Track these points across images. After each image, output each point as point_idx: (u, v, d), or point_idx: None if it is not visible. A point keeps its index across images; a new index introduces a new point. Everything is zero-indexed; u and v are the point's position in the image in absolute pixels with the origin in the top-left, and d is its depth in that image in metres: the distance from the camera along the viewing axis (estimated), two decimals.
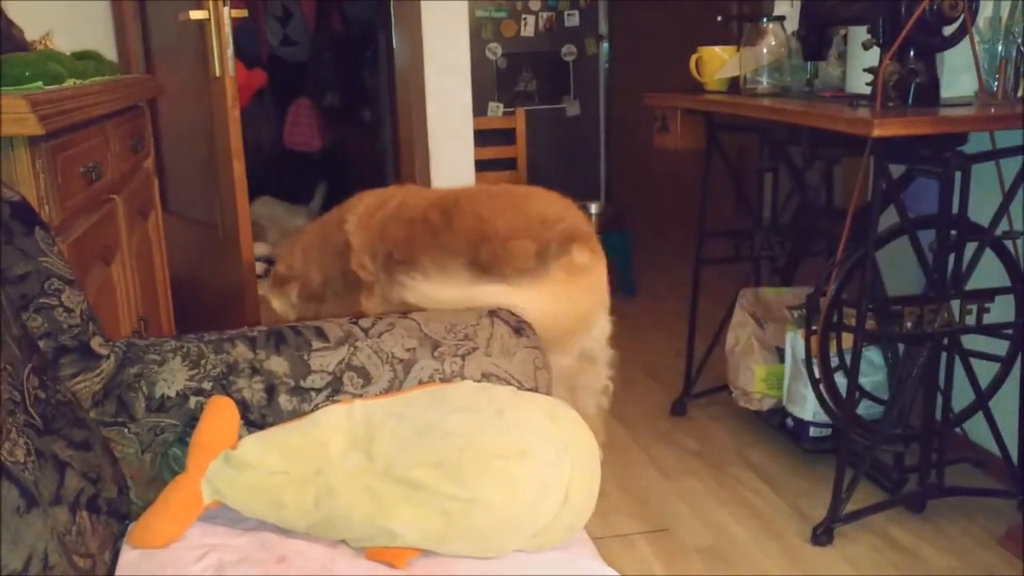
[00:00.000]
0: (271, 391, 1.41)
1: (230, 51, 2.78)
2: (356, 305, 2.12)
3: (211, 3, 2.73)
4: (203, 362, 1.42)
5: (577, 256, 1.92)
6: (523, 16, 4.86)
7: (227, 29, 2.76)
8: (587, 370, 2.12)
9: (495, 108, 4.93)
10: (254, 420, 1.39)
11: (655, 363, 3.63)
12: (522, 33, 4.88)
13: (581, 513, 1.25)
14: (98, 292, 1.84)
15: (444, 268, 1.95)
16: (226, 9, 2.75)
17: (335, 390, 1.43)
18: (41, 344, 1.31)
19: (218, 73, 2.79)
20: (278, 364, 1.43)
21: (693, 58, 2.88)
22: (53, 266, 1.35)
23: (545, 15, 4.89)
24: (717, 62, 2.84)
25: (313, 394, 1.42)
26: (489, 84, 4.87)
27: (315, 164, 5.73)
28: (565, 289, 1.91)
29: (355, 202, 2.21)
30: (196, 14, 2.76)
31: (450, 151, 3.73)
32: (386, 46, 4.81)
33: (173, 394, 1.39)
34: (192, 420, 1.36)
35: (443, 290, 1.76)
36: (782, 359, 2.77)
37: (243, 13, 2.90)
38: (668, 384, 3.35)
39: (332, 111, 5.87)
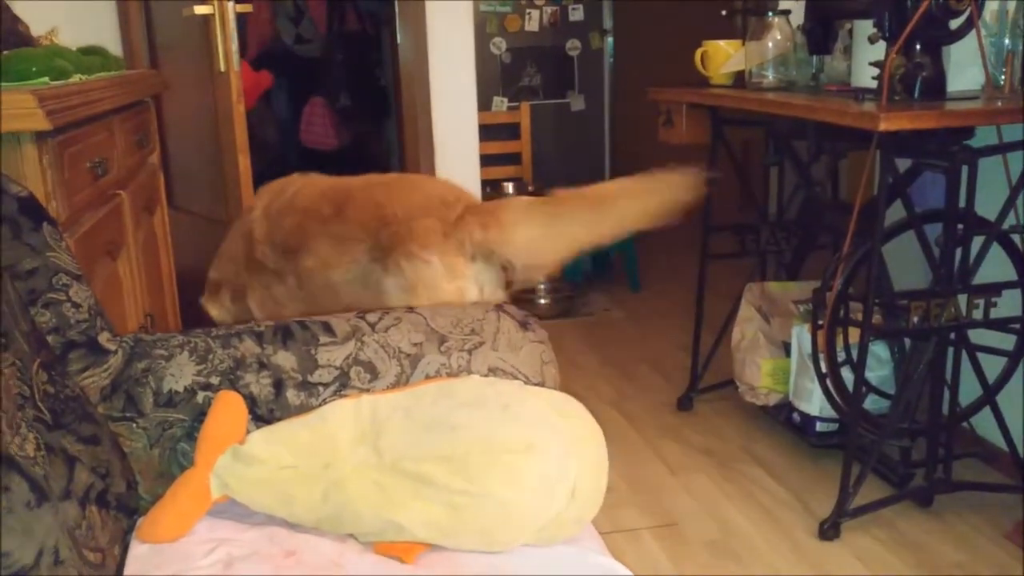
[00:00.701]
0: (279, 386, 1.41)
1: (234, 46, 2.78)
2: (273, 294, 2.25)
3: None
4: (210, 357, 1.42)
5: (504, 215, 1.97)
6: (527, 11, 4.85)
7: (231, 24, 2.76)
8: None
9: (499, 103, 4.92)
10: (262, 415, 1.39)
11: (661, 358, 3.63)
12: (526, 28, 4.87)
13: (589, 507, 1.25)
14: (104, 288, 1.84)
15: (345, 254, 2.04)
16: (230, 4, 2.75)
17: (342, 385, 1.43)
18: (49, 339, 1.32)
19: (223, 68, 2.79)
20: (285, 359, 1.43)
21: (698, 52, 2.87)
22: (61, 261, 1.35)
23: (549, 10, 4.87)
24: (722, 56, 2.83)
25: (320, 389, 1.42)
26: (493, 79, 4.87)
27: (331, 161, 5.65)
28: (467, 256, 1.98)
29: (262, 192, 2.29)
30: (201, 9, 2.76)
31: (455, 146, 3.72)
32: (391, 41, 4.81)
33: (181, 389, 1.39)
34: (200, 415, 1.36)
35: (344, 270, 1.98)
36: (788, 354, 2.77)
37: (247, 8, 2.90)
38: (674, 379, 3.35)
39: (346, 111, 5.83)
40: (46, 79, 1.62)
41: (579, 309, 4.35)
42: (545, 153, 4.94)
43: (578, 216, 1.93)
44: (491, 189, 4.35)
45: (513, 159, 4.67)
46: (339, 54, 5.78)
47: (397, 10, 4.45)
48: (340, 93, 5.79)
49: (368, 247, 2.03)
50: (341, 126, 5.76)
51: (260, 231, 2.20)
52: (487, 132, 4.20)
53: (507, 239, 1.91)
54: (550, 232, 1.93)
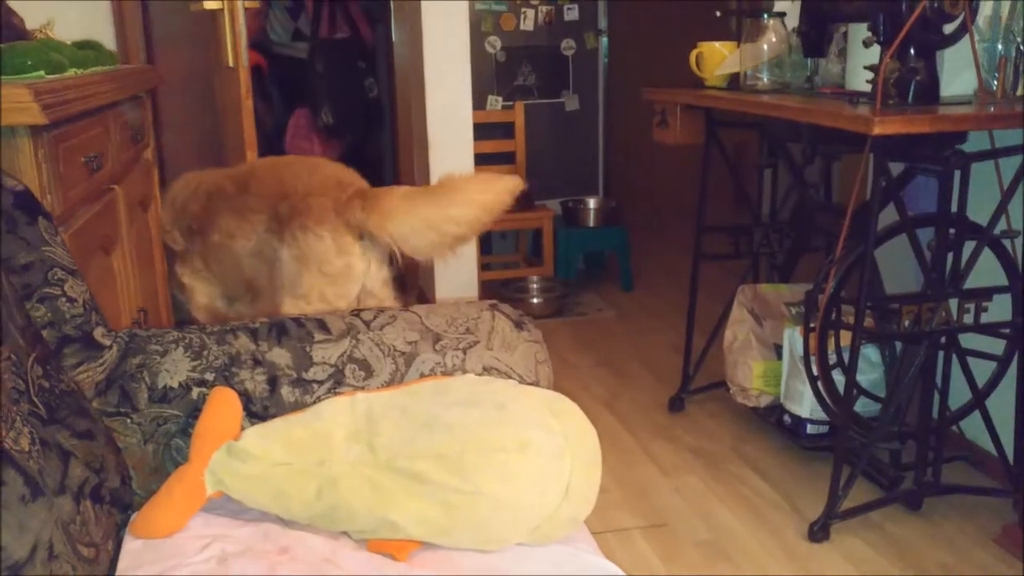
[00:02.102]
0: (273, 383, 1.41)
1: (243, 41, 2.78)
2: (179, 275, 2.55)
3: None
4: (205, 353, 1.42)
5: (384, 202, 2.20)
6: (522, 10, 4.85)
7: (241, 19, 2.76)
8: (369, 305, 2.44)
9: (494, 102, 4.92)
10: (256, 411, 1.39)
11: (653, 358, 3.64)
12: (521, 27, 4.87)
13: (582, 506, 1.26)
14: (98, 282, 1.83)
15: (246, 223, 2.31)
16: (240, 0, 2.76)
17: (337, 382, 1.43)
18: (44, 334, 1.31)
19: (232, 63, 2.79)
20: (280, 356, 1.43)
21: (693, 53, 2.88)
22: (56, 256, 1.35)
23: (544, 9, 4.88)
24: (717, 57, 2.84)
25: (315, 386, 1.42)
26: (488, 77, 4.87)
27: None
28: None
29: (170, 186, 2.53)
30: (210, 4, 2.77)
31: (450, 144, 3.73)
32: (386, 43, 4.80)
33: (176, 385, 1.39)
34: (195, 411, 1.36)
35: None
36: (780, 356, 2.78)
37: (255, 4, 2.92)
38: (666, 380, 3.35)
39: (331, 128, 5.09)
40: (42, 73, 1.62)
41: (572, 308, 4.35)
42: (539, 152, 4.95)
43: (442, 206, 2.12)
44: None
45: (507, 158, 4.67)
46: (323, 64, 5.07)
47: (392, 8, 4.45)
48: (323, 108, 5.10)
49: (267, 218, 2.27)
50: (328, 141, 5.14)
51: (167, 219, 2.48)
52: (481, 131, 4.20)
53: (382, 223, 2.12)
54: (419, 219, 2.13)
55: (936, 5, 2.04)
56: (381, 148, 5.56)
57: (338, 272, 2.21)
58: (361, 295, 2.31)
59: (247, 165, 2.53)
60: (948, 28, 2.11)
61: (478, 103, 4.49)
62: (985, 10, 2.22)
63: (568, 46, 4.98)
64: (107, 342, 1.40)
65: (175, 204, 2.45)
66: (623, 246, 4.60)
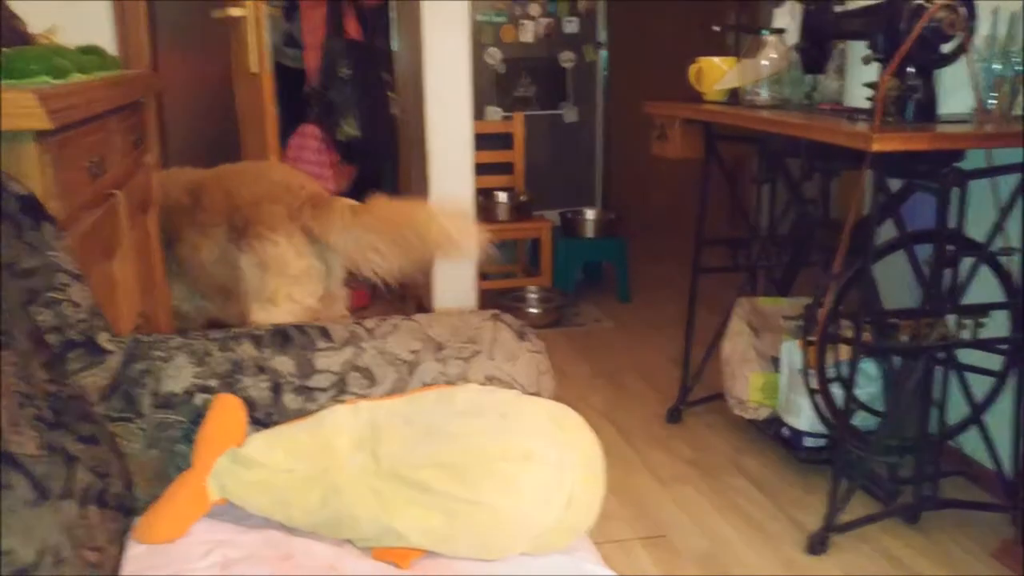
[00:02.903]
0: (277, 390, 1.41)
1: (267, 48, 2.81)
2: None
3: (250, 0, 2.76)
4: (209, 359, 1.42)
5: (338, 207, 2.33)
6: (522, 21, 4.87)
7: (265, 26, 2.79)
8: (331, 306, 2.55)
9: (493, 112, 4.94)
10: (260, 418, 1.39)
11: (651, 370, 3.64)
12: (521, 38, 4.89)
13: (584, 517, 1.26)
14: (100, 287, 1.83)
15: (207, 237, 2.43)
16: (264, 6, 2.78)
17: (340, 390, 1.43)
18: (49, 338, 1.31)
19: (255, 69, 2.81)
20: (283, 363, 1.44)
21: (693, 68, 2.90)
22: (60, 260, 1.35)
23: (544, 21, 4.90)
24: (717, 73, 2.85)
25: (318, 394, 1.42)
26: (488, 88, 4.89)
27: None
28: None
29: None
30: (235, 11, 2.79)
31: (449, 154, 3.74)
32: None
33: (179, 391, 1.39)
34: (198, 417, 1.36)
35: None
36: (778, 368, 2.78)
37: (276, 10, 2.94)
38: (664, 391, 3.36)
39: (351, 145, 4.31)
40: (46, 78, 1.62)
41: (570, 319, 4.36)
42: (538, 163, 4.96)
43: (381, 231, 2.23)
44: (483, 198, 4.36)
45: (505, 168, 4.69)
46: (351, 68, 4.22)
47: (393, 17, 4.46)
48: (346, 118, 4.25)
49: (224, 230, 2.38)
50: (342, 164, 4.43)
51: None
52: (480, 141, 4.21)
53: (326, 232, 2.25)
54: (358, 236, 2.25)
55: (935, 25, 2.06)
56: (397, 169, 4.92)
57: (301, 272, 2.32)
58: (323, 295, 2.41)
59: (199, 176, 2.59)
60: (946, 47, 2.13)
61: (477, 113, 4.51)
62: (983, 30, 2.24)
63: (567, 58, 5.00)
64: (111, 347, 1.40)
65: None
66: (621, 257, 4.61)
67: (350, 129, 4.10)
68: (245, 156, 3.25)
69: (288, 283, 2.31)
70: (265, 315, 2.35)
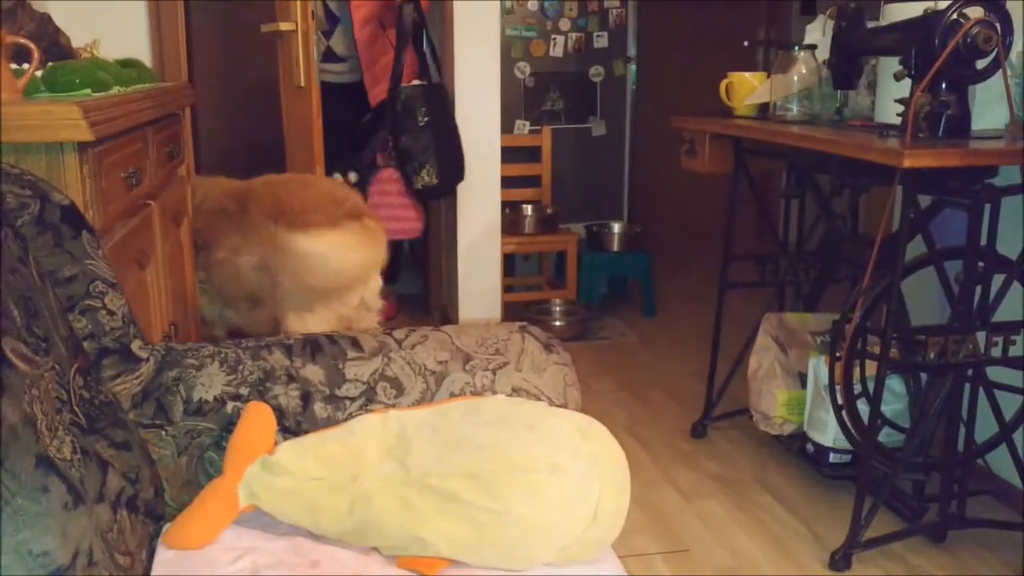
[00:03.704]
0: (306, 398, 1.43)
1: (314, 62, 2.88)
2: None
3: (299, 15, 2.83)
4: (240, 368, 1.44)
5: (367, 221, 2.50)
6: (552, 36, 4.90)
7: (312, 40, 2.85)
8: (364, 317, 2.66)
9: (521, 126, 4.97)
10: (289, 427, 1.41)
11: (675, 385, 3.64)
12: (551, 53, 4.92)
13: (610, 529, 1.27)
14: (133, 296, 1.87)
15: (248, 242, 2.51)
16: (312, 22, 2.85)
17: (369, 399, 1.45)
18: (85, 345, 1.34)
19: (303, 83, 2.87)
20: (314, 372, 1.46)
21: (723, 83, 2.90)
22: (98, 269, 1.38)
23: (574, 36, 4.92)
24: (747, 88, 2.86)
25: (347, 403, 1.44)
26: (516, 102, 4.91)
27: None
28: (357, 237, 2.51)
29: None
30: (285, 25, 2.86)
31: (478, 167, 3.76)
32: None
33: (211, 399, 1.41)
34: (229, 425, 1.38)
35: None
36: (804, 385, 2.77)
37: (324, 25, 3.01)
38: (688, 406, 3.35)
39: (428, 191, 3.81)
40: (88, 91, 1.66)
41: (594, 333, 4.36)
42: (565, 177, 4.98)
43: None
44: (510, 210, 4.38)
45: (533, 182, 4.71)
46: (429, 113, 3.72)
47: (424, 34, 4.49)
48: (420, 169, 3.72)
49: (265, 235, 2.46)
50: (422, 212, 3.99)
51: None
52: (508, 154, 4.23)
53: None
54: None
55: (970, 41, 2.05)
56: None
57: (335, 271, 2.43)
58: (357, 304, 2.48)
59: (244, 184, 2.68)
60: (981, 63, 2.12)
61: (506, 127, 4.53)
62: (1018, 45, 2.23)
63: (596, 72, 5.02)
64: (144, 355, 1.43)
65: None
66: (647, 272, 4.61)
67: (428, 178, 3.75)
68: (291, 167, 3.30)
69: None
70: (300, 323, 2.41)
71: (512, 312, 4.23)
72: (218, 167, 3.41)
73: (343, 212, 2.42)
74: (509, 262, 4.83)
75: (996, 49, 2.06)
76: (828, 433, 2.63)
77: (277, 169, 3.15)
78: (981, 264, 2.25)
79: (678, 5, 5.62)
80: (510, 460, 1.23)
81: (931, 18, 2.10)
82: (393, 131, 3.69)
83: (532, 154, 4.78)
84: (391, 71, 3.70)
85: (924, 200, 2.37)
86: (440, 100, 3.74)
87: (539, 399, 1.50)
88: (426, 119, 3.68)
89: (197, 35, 3.60)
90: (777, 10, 5.73)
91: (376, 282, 2.63)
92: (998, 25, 2.04)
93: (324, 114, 3.46)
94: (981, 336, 2.27)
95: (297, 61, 2.90)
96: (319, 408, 1.43)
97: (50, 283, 1.28)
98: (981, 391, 2.38)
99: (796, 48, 2.66)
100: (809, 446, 2.75)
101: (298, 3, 2.92)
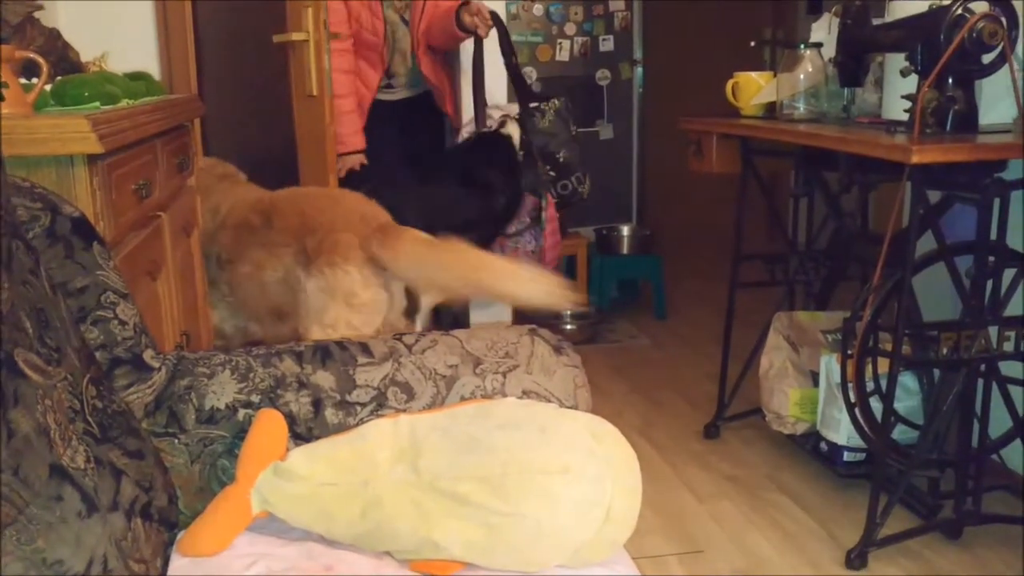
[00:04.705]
0: (317, 405, 1.44)
1: (328, 71, 2.89)
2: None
3: (311, 24, 2.84)
4: (252, 375, 1.45)
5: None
6: (559, 41, 4.91)
7: (326, 50, 2.86)
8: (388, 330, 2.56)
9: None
10: (301, 433, 1.42)
11: (687, 386, 3.63)
12: (557, 57, 4.93)
13: (623, 529, 1.27)
14: (144, 307, 1.87)
15: (274, 257, 2.42)
16: (326, 31, 2.86)
17: (380, 404, 1.45)
18: (97, 355, 1.35)
19: (315, 92, 2.89)
20: (324, 378, 1.46)
21: (729, 83, 2.90)
22: (109, 280, 1.39)
23: (580, 40, 4.93)
24: (754, 87, 2.86)
25: (358, 408, 1.45)
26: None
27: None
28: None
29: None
30: (297, 35, 2.87)
31: None
32: None
33: (222, 406, 1.42)
34: (241, 432, 1.39)
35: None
36: (816, 383, 2.77)
37: (337, 36, 3.00)
38: (700, 407, 3.35)
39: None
40: (98, 104, 1.67)
41: (605, 335, 4.36)
42: None
43: (454, 270, 2.22)
44: None
45: None
46: (571, 125, 3.49)
47: None
48: (578, 184, 3.49)
49: (293, 251, 2.37)
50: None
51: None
52: None
53: (395, 262, 2.24)
54: (428, 271, 2.25)
55: (975, 36, 2.04)
56: None
57: (364, 303, 2.31)
58: (382, 325, 2.40)
59: (268, 196, 2.60)
60: (987, 57, 2.11)
61: None
62: None
63: (603, 76, 5.02)
64: (156, 364, 1.44)
65: (206, 231, 2.55)
66: (657, 274, 4.61)
67: (583, 188, 3.51)
68: (303, 178, 3.29)
69: (351, 312, 2.32)
70: (324, 336, 2.36)
71: (522, 316, 4.23)
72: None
73: (371, 232, 2.30)
74: None
75: (1002, 43, 2.06)
76: (841, 431, 2.63)
77: (291, 181, 3.15)
78: (992, 259, 2.25)
79: (683, 7, 5.63)
80: (521, 462, 1.23)
81: (936, 13, 2.10)
82: (543, 148, 3.40)
83: None
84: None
85: (933, 196, 2.36)
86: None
87: (549, 401, 1.50)
88: (576, 128, 3.50)
89: (206, 46, 3.63)
90: (783, 10, 5.73)
91: (401, 300, 2.50)
92: (1003, 19, 2.04)
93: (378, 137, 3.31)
94: (993, 331, 2.26)
95: (309, 71, 2.91)
96: (330, 414, 1.43)
97: (62, 294, 1.29)
98: (994, 386, 2.36)
99: (802, 46, 2.66)
100: (823, 445, 2.75)
101: (310, 12, 2.92)
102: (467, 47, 3.56)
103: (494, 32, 3.39)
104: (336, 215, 2.36)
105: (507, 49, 3.45)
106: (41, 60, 1.59)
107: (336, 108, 3.09)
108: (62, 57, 1.93)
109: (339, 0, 3.18)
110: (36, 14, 1.97)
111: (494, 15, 3.36)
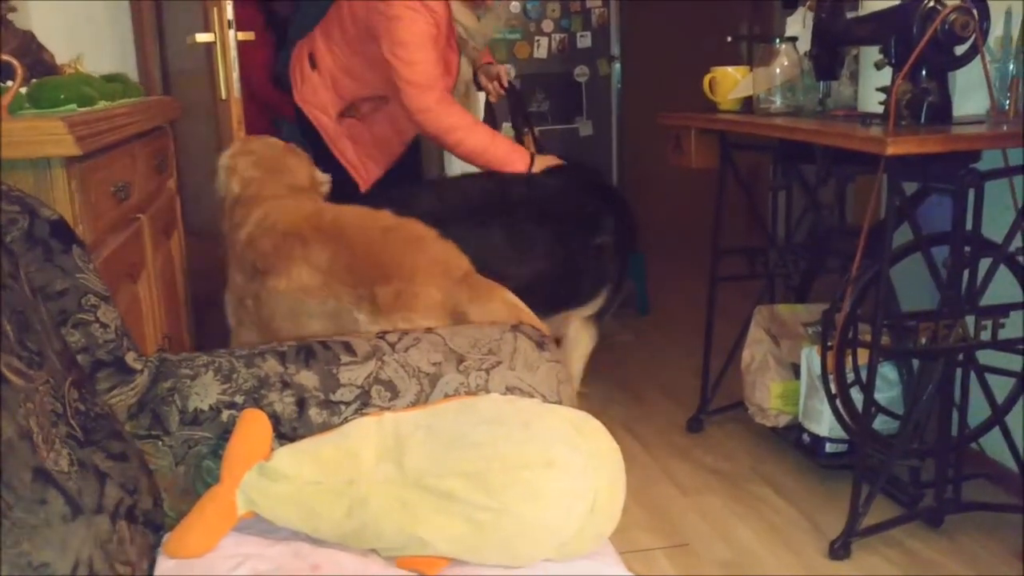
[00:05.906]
0: (301, 404, 1.44)
1: (235, 74, 2.81)
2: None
3: (217, 26, 2.76)
4: (235, 376, 1.45)
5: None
6: (536, 38, 4.90)
7: (232, 52, 2.80)
8: None
9: (507, 128, 4.97)
10: (285, 433, 1.42)
11: (671, 380, 3.65)
12: (535, 54, 4.92)
13: (607, 522, 1.27)
14: (125, 309, 1.87)
15: (325, 288, 2.02)
16: (231, 32, 2.79)
17: (363, 403, 1.46)
18: (79, 358, 1.35)
19: (224, 96, 2.83)
20: (308, 378, 1.46)
21: (707, 78, 2.92)
22: (89, 283, 1.38)
23: (558, 37, 4.93)
24: (730, 82, 2.87)
25: (342, 407, 1.45)
26: (502, 104, 4.91)
27: None
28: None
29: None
30: (202, 37, 2.80)
31: (464, 170, 3.75)
32: None
33: (206, 408, 1.42)
34: (225, 433, 1.39)
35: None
36: (798, 375, 2.79)
37: (250, 36, 2.92)
38: (684, 401, 3.36)
39: None
40: (74, 106, 1.66)
41: None
42: None
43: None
44: None
45: None
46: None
47: None
48: None
49: (355, 292, 2.00)
50: None
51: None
52: None
53: (481, 317, 1.89)
54: None
55: (948, 28, 2.07)
56: None
57: None
58: None
59: (330, 213, 2.17)
60: (959, 49, 2.14)
61: None
62: (996, 30, 2.25)
63: (581, 72, 5.02)
64: (139, 367, 1.43)
65: (236, 238, 2.20)
66: (639, 271, 4.62)
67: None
68: None
69: None
70: None
71: None
72: (201, 184, 3.40)
73: (455, 286, 1.97)
74: None
75: (974, 35, 2.08)
76: (823, 423, 2.65)
77: None
78: (968, 248, 2.27)
79: (660, 3, 5.64)
80: (505, 458, 1.24)
81: (909, 6, 2.12)
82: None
83: None
84: None
85: (909, 187, 2.38)
86: None
87: (533, 397, 1.50)
88: None
89: (177, 53, 3.60)
90: (760, 5, 5.75)
91: None
92: (975, 11, 2.06)
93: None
94: (971, 320, 2.28)
95: (217, 73, 2.81)
96: (314, 413, 1.43)
97: (42, 298, 1.29)
98: (973, 375, 2.39)
99: (777, 41, 2.68)
100: (805, 436, 2.77)
101: (215, 11, 2.76)
102: None
103: None
104: (418, 264, 2.00)
105: (518, 122, 3.43)
106: (15, 62, 1.58)
107: (494, 146, 3.08)
108: (37, 59, 1.92)
109: (455, 53, 3.06)
110: (9, 16, 1.96)
111: (511, 85, 3.27)
